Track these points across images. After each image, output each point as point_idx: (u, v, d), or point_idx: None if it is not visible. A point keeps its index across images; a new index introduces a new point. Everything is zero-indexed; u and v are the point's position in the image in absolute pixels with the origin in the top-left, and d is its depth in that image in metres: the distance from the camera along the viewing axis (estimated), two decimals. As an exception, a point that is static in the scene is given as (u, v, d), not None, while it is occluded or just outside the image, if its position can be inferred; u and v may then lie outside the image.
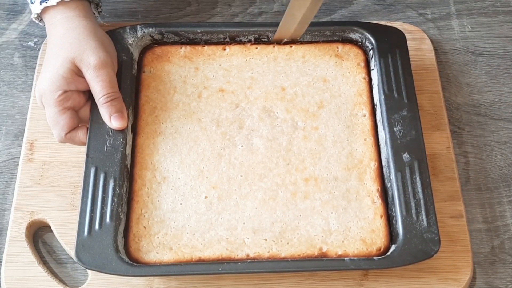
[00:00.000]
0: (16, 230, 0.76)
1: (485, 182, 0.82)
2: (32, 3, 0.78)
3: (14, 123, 0.86)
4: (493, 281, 0.76)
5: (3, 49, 0.92)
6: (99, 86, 0.74)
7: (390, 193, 0.74)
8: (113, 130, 0.75)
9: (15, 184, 0.79)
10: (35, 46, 0.92)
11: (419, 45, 0.90)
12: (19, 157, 0.81)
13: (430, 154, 0.81)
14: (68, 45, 0.74)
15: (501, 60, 0.92)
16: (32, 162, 0.80)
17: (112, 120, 0.74)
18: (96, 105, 0.75)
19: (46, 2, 0.76)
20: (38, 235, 0.78)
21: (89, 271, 0.73)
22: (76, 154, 0.78)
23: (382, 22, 0.90)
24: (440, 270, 0.74)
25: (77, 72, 0.74)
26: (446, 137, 0.83)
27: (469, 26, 0.95)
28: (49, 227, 0.77)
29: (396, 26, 0.86)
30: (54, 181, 0.79)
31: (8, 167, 0.82)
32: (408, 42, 0.84)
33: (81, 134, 0.74)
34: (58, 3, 0.76)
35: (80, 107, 0.75)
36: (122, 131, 0.75)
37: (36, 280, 0.73)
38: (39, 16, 0.79)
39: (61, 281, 0.75)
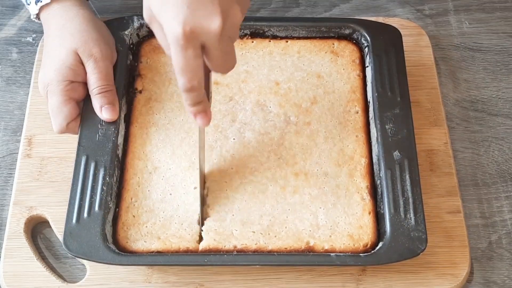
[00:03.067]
0: (15, 225, 0.76)
1: (483, 177, 0.83)
2: (28, 4, 0.78)
3: (12, 119, 0.86)
4: (491, 276, 0.76)
5: (2, 45, 0.92)
6: (94, 78, 0.74)
7: (379, 190, 0.74)
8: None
9: (14, 180, 0.79)
10: (34, 41, 0.92)
11: (416, 41, 0.90)
12: (17, 153, 0.81)
13: (427, 150, 0.81)
14: (70, 35, 0.75)
15: (498, 56, 0.92)
16: (31, 157, 0.80)
17: (103, 111, 0.74)
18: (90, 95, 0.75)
19: (41, 2, 0.77)
20: (37, 231, 0.78)
21: (87, 266, 0.73)
22: (75, 150, 0.78)
23: (380, 18, 0.90)
24: (438, 265, 0.74)
25: (82, 63, 0.74)
26: (444, 133, 0.83)
27: (466, 22, 0.95)
28: (48, 222, 0.77)
29: (393, 22, 0.86)
30: (53, 177, 0.79)
31: (7, 163, 0.83)
32: (406, 38, 0.84)
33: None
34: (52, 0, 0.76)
35: (83, 98, 0.76)
36: (114, 121, 0.75)
37: (34, 275, 0.73)
38: (38, 15, 0.79)
39: (60, 276, 0.75)
